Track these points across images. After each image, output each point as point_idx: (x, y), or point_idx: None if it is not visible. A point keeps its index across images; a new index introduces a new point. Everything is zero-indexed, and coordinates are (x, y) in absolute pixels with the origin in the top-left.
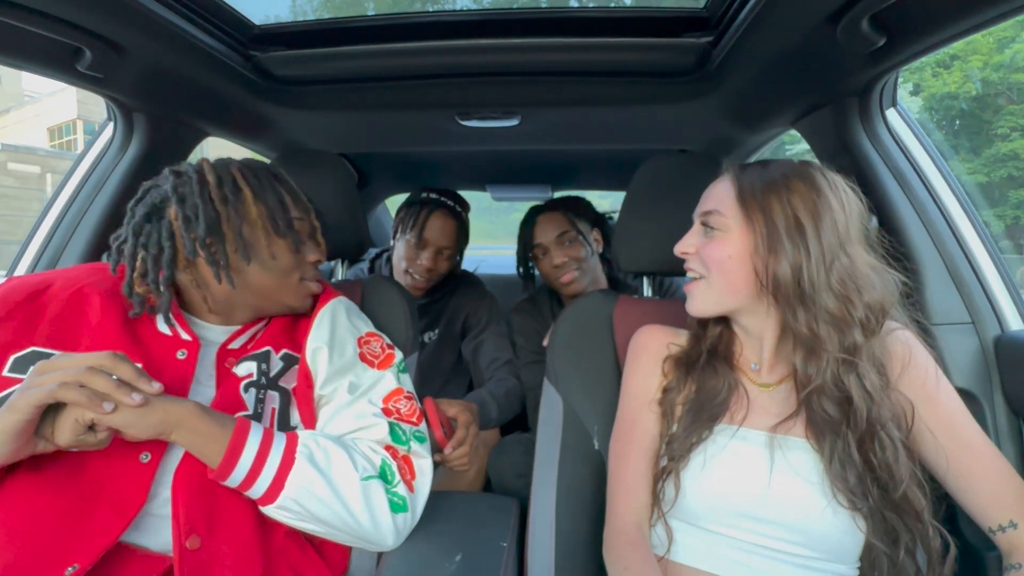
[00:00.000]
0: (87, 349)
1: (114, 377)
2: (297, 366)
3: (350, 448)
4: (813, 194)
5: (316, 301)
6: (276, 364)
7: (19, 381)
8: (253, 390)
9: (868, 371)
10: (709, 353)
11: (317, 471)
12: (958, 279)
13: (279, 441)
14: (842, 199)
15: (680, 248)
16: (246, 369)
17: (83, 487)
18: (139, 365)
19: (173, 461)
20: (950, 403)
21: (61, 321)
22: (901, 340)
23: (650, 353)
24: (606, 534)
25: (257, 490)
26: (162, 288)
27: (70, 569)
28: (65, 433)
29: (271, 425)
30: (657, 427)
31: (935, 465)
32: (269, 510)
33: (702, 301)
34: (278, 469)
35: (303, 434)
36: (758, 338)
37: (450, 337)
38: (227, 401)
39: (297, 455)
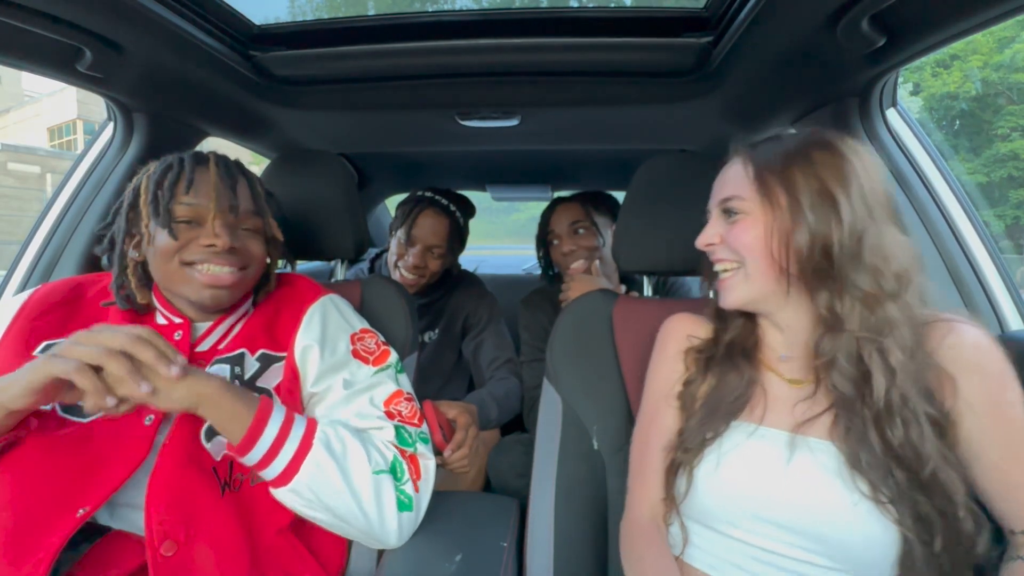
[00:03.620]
0: None
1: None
2: (278, 364)
3: (366, 441)
4: (838, 160)
5: (218, 294)
6: (252, 365)
7: None
8: None
9: (893, 347)
10: (729, 346)
11: (333, 459)
12: (958, 279)
13: (299, 425)
14: (866, 164)
15: (703, 240)
16: (218, 373)
17: (93, 448)
18: (167, 345)
19: (173, 418)
20: (1012, 411)
21: (89, 323)
22: (971, 342)
23: (674, 344)
24: (622, 526)
25: (272, 471)
26: (114, 287)
27: (81, 511)
28: (87, 402)
29: None
30: (677, 422)
31: (970, 462)
32: (280, 492)
33: (741, 291)
34: (295, 453)
35: (322, 422)
36: (788, 328)
37: (450, 337)
38: None
39: (315, 441)
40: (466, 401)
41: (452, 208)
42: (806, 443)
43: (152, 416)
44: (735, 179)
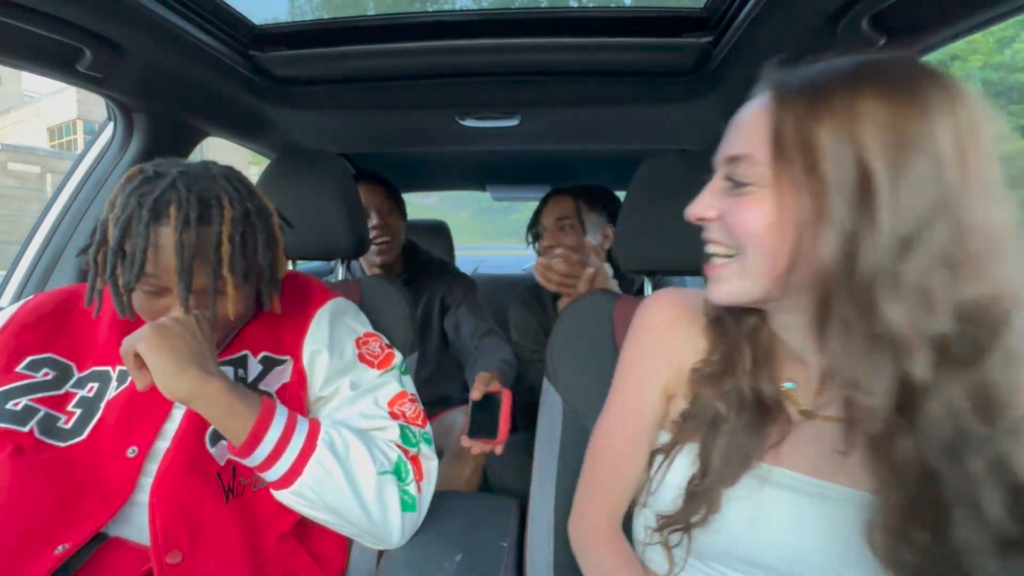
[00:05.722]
0: (95, 363)
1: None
2: (280, 367)
3: (370, 442)
4: (902, 119)
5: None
6: (255, 368)
7: (29, 378)
8: None
9: (953, 402)
10: (740, 364)
11: (336, 460)
12: None
13: (302, 427)
14: (962, 120)
15: (696, 211)
16: None
17: (72, 476)
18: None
19: (161, 452)
20: None
21: (77, 337)
22: None
23: (660, 343)
24: (573, 527)
25: (275, 473)
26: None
27: (60, 548)
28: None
29: None
30: (658, 423)
31: None
32: (282, 495)
33: (731, 288)
34: (298, 455)
35: (326, 423)
36: (800, 347)
37: (430, 320)
38: None
39: (319, 442)
40: (484, 370)
41: (373, 176)
42: (827, 490)
43: (136, 448)
44: (751, 129)
